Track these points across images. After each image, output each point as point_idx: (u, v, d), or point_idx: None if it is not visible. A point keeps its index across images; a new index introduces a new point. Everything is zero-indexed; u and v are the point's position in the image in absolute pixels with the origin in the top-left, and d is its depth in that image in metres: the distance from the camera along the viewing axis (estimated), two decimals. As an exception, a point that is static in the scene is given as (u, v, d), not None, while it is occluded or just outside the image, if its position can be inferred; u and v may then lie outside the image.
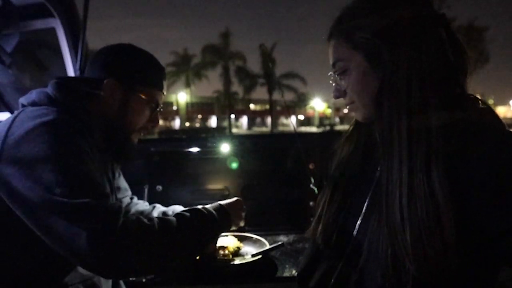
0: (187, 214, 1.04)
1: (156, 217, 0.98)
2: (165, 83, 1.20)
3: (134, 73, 1.12)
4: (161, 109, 1.21)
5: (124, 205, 1.42)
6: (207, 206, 1.14)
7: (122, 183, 1.44)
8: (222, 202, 1.20)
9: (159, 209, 1.45)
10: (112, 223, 0.86)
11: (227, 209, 1.17)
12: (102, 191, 0.91)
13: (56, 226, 0.85)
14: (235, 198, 1.29)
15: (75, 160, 0.90)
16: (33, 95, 1.05)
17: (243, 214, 1.32)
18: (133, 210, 1.42)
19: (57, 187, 0.85)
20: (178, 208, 1.45)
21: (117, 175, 1.37)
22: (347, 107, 0.84)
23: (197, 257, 1.20)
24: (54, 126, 0.92)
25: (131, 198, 1.47)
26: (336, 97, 0.84)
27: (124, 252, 0.86)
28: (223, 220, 1.14)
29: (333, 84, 0.85)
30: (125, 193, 1.44)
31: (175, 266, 1.00)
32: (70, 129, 0.94)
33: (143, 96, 1.13)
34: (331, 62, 0.82)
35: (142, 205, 1.47)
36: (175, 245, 0.96)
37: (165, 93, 1.21)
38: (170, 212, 1.42)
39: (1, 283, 0.94)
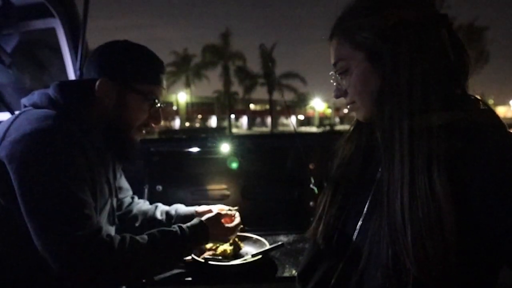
0: (158, 235, 1.07)
1: (130, 236, 1.01)
2: (163, 77, 1.17)
3: (127, 69, 1.09)
4: (162, 105, 1.18)
5: (125, 205, 1.42)
6: (187, 224, 1.16)
7: (124, 183, 1.44)
8: (204, 218, 1.23)
9: (161, 208, 1.45)
10: (83, 251, 0.90)
11: (206, 225, 1.19)
12: (83, 215, 0.92)
13: (35, 236, 0.90)
14: (212, 213, 1.30)
15: (60, 178, 0.92)
16: (35, 96, 1.05)
17: (233, 226, 1.32)
18: (135, 210, 1.42)
19: (37, 204, 0.89)
20: (180, 207, 1.45)
21: (118, 175, 1.37)
22: (348, 107, 0.84)
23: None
24: (50, 134, 0.93)
25: (132, 198, 1.47)
26: (337, 96, 0.84)
27: (97, 277, 0.92)
28: (197, 237, 1.16)
29: (334, 84, 0.84)
30: (126, 193, 1.44)
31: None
32: (64, 139, 0.94)
33: (139, 92, 1.10)
34: (332, 61, 0.82)
35: (144, 204, 1.47)
36: (142, 264, 1.01)
37: (164, 87, 1.18)
38: (173, 212, 1.42)
39: (2, 282, 0.95)
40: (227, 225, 1.30)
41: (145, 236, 1.04)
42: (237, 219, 1.36)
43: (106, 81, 1.07)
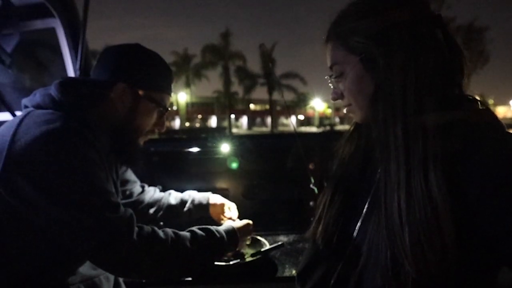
0: (201, 233, 1.07)
1: (172, 231, 1.02)
2: (172, 86, 1.20)
3: (145, 78, 1.10)
4: (167, 110, 1.19)
5: (135, 194, 1.43)
6: (220, 227, 1.16)
7: (131, 176, 1.45)
8: (235, 225, 1.22)
9: (174, 194, 1.47)
10: (126, 237, 0.91)
11: (237, 233, 1.19)
12: (113, 202, 0.94)
13: (70, 238, 0.91)
14: (245, 221, 1.29)
15: (83, 173, 0.92)
16: (37, 97, 1.03)
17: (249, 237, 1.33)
18: (147, 198, 1.43)
19: (69, 204, 0.89)
20: (194, 193, 1.48)
21: (124, 168, 1.38)
22: (345, 109, 0.84)
23: None
24: (61, 136, 0.92)
25: (142, 187, 1.47)
26: (334, 99, 0.84)
27: (136, 264, 0.93)
28: (231, 244, 1.17)
29: (331, 86, 0.85)
30: (134, 184, 1.45)
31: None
32: (77, 138, 0.94)
33: (153, 101, 1.12)
34: (328, 65, 0.82)
35: (156, 192, 1.47)
36: (183, 262, 1.02)
37: (171, 95, 1.21)
38: (186, 197, 1.45)
39: (5, 282, 0.95)
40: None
41: (187, 233, 1.05)
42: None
43: (124, 87, 1.07)
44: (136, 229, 0.94)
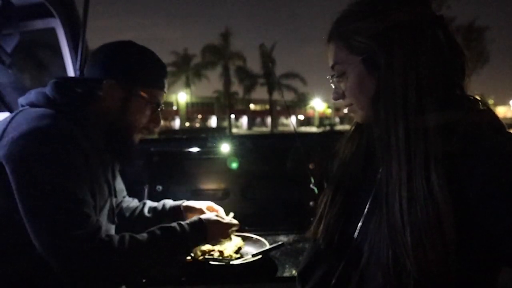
0: (159, 231, 1.07)
1: (129, 235, 1.01)
2: (166, 81, 1.18)
3: (135, 73, 1.09)
4: (162, 108, 1.19)
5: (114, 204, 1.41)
6: (186, 221, 1.15)
7: (119, 184, 1.42)
8: (203, 216, 1.21)
9: (148, 204, 1.44)
10: (82, 251, 0.90)
11: (206, 224, 1.18)
12: (80, 215, 0.93)
13: (34, 236, 0.91)
14: (215, 216, 1.27)
15: (58, 177, 0.91)
16: (31, 95, 1.05)
17: (230, 230, 1.30)
18: (123, 209, 1.40)
19: (35, 204, 0.89)
20: (168, 202, 1.44)
21: (117, 173, 1.37)
22: (346, 109, 0.84)
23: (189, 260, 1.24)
24: (48, 134, 0.93)
25: (124, 197, 1.46)
26: (335, 99, 0.84)
27: (93, 276, 0.93)
28: (197, 235, 1.15)
29: (333, 86, 0.85)
30: (121, 194, 1.43)
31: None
32: (63, 139, 0.94)
33: (144, 97, 1.11)
34: (330, 64, 0.82)
35: (132, 202, 1.46)
36: (143, 263, 1.02)
37: (166, 92, 1.19)
38: (160, 207, 1.42)
39: (5, 282, 0.95)
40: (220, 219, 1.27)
41: (145, 234, 1.04)
42: (234, 221, 1.34)
43: (113, 84, 1.06)
44: (95, 241, 0.92)
